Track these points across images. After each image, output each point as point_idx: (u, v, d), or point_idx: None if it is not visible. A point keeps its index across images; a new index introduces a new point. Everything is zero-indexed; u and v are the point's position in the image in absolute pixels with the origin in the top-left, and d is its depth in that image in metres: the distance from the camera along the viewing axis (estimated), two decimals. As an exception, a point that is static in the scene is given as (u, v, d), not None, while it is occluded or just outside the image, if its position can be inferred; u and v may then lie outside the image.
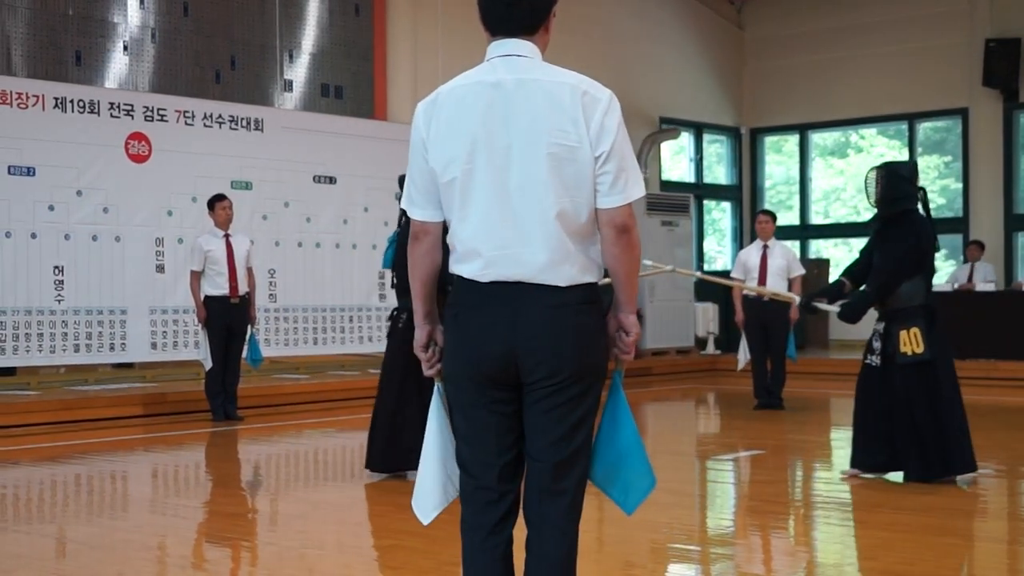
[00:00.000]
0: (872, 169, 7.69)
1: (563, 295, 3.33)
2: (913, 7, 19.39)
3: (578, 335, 3.34)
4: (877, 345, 7.52)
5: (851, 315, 7.61)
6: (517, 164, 3.30)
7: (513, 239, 3.31)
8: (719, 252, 21.55)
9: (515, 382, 3.39)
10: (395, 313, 8.05)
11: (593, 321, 3.39)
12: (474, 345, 3.37)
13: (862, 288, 7.61)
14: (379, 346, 14.70)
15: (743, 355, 12.20)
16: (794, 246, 20.99)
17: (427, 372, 3.57)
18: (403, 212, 7.74)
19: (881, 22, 19.70)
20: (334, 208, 14.44)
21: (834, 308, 7.76)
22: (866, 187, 7.67)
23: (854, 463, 7.77)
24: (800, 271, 12.14)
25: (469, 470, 3.47)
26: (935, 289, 16.39)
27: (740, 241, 21.26)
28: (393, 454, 7.88)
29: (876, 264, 7.52)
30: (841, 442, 10.80)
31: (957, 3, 18.94)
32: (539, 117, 3.29)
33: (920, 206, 7.65)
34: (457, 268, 3.41)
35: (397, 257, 7.83)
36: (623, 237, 3.36)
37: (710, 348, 17.97)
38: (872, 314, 7.68)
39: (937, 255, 7.82)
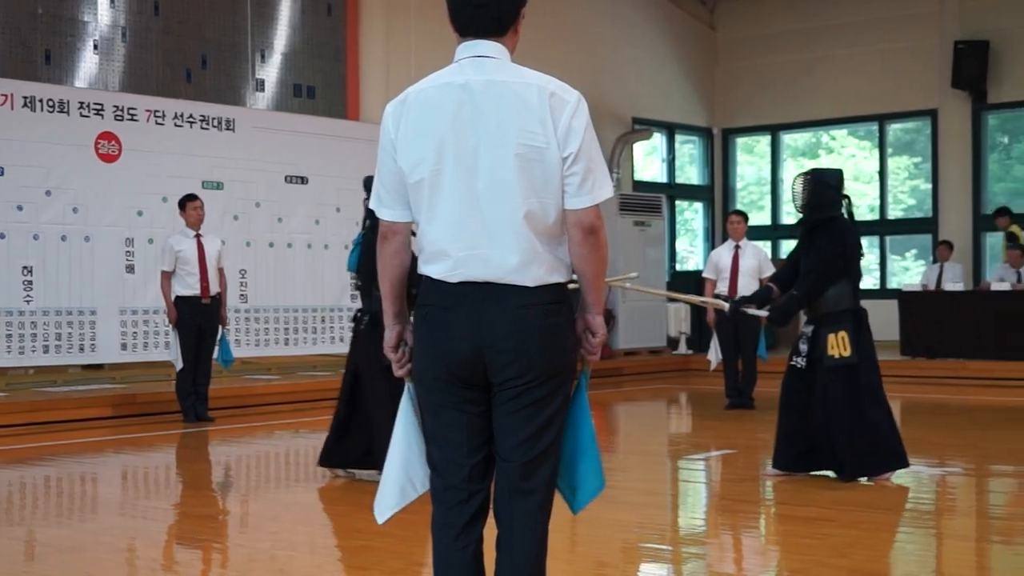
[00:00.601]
0: (798, 176, 7.87)
1: (531, 295, 3.34)
2: (883, 9, 19.48)
3: (546, 335, 3.35)
4: (804, 347, 7.65)
5: (780, 318, 7.81)
6: (485, 165, 3.32)
7: (481, 240, 3.33)
8: (691, 252, 21.61)
9: (484, 382, 3.40)
10: (358, 315, 8.04)
11: (561, 321, 3.40)
12: (443, 345, 3.38)
13: (791, 292, 7.73)
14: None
15: (715, 355, 12.23)
16: (765, 246, 21.08)
17: (397, 373, 3.58)
18: (368, 214, 7.77)
19: (852, 23, 19.79)
20: (306, 208, 14.40)
21: (762, 312, 7.96)
22: (792, 193, 7.83)
23: (775, 463, 7.88)
24: (771, 270, 12.15)
25: (439, 470, 3.48)
26: (908, 288, 16.44)
27: (712, 241, 21.31)
28: (338, 451, 7.95)
29: (804, 268, 7.67)
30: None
31: (926, 5, 19.04)
32: (507, 118, 3.31)
33: (845, 213, 7.75)
34: (426, 268, 3.42)
35: (361, 259, 7.83)
36: (590, 238, 3.37)
37: (682, 348, 18.01)
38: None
39: (865, 258, 8.10)
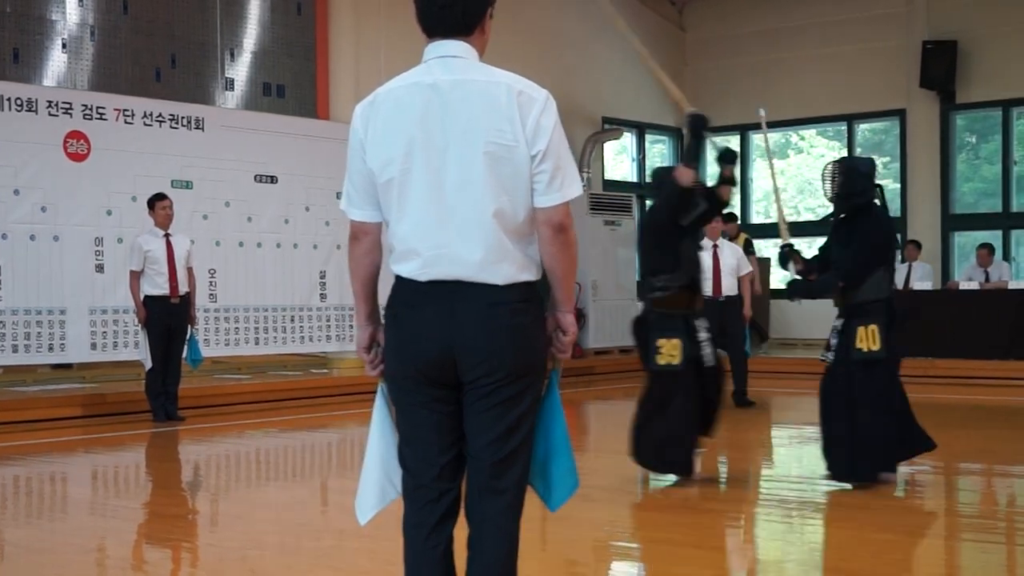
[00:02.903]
0: (830, 163, 7.63)
1: (501, 294, 3.35)
2: (852, 9, 19.58)
3: (515, 334, 3.36)
4: (833, 342, 7.39)
5: (806, 290, 7.58)
6: (454, 164, 3.33)
7: (450, 238, 3.34)
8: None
9: (454, 381, 3.41)
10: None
11: (531, 320, 3.41)
12: (413, 344, 3.39)
13: (828, 274, 7.45)
14: (321, 346, 14.67)
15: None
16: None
17: (370, 372, 3.59)
18: None
19: (820, 24, 19.88)
20: (275, 208, 14.36)
21: (794, 275, 7.70)
22: (823, 180, 7.60)
23: (834, 474, 7.46)
24: (749, 268, 12.32)
25: (410, 469, 3.50)
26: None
27: (682, 241, 21.32)
28: None
29: (841, 255, 7.37)
30: (783, 440, 10.91)
31: (895, 5, 19.15)
32: (475, 117, 3.32)
33: (877, 202, 7.52)
34: (396, 267, 3.44)
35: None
36: (560, 236, 3.38)
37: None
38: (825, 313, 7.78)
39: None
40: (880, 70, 19.35)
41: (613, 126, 19.54)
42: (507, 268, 3.35)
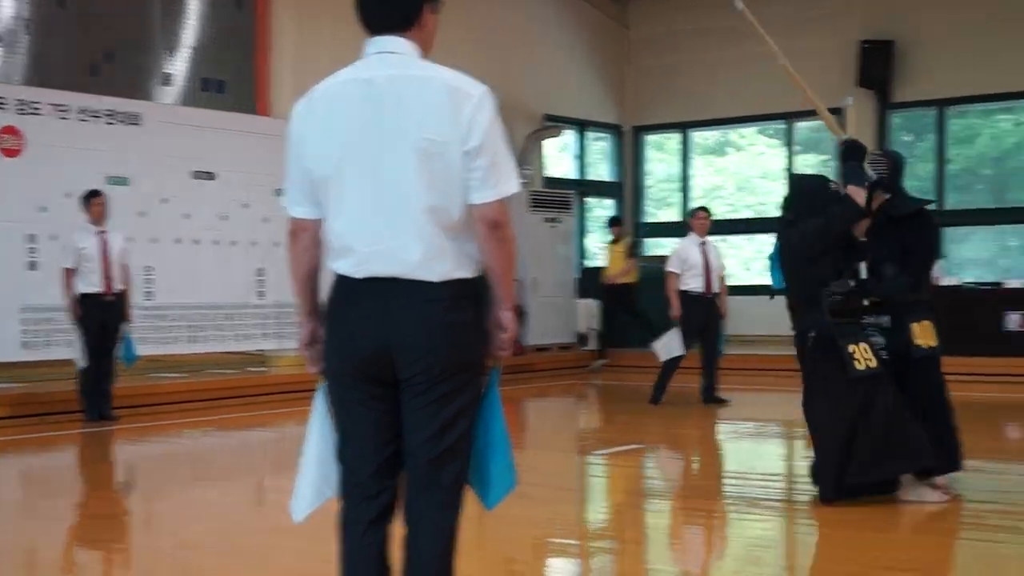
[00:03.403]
0: (880, 151, 7.36)
1: (436, 291, 3.34)
2: (791, 9, 19.69)
3: (451, 331, 3.35)
4: (880, 340, 6.88)
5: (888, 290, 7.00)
6: (388, 160, 3.32)
7: (386, 235, 3.32)
8: (601, 249, 21.67)
9: (391, 378, 3.40)
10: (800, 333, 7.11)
11: (468, 317, 3.39)
12: (349, 341, 3.39)
13: (899, 274, 6.98)
14: (259, 344, 14.55)
15: (668, 349, 12.13)
16: (675, 242, 21.23)
17: (310, 369, 3.58)
18: (780, 221, 7.25)
19: (762, 22, 19.95)
20: (213, 204, 14.22)
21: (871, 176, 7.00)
22: (870, 164, 7.04)
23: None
24: (723, 267, 12.39)
25: (348, 466, 3.49)
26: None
27: (622, 238, 21.40)
28: None
29: (913, 255, 7.00)
30: (725, 436, 10.95)
31: (834, 5, 19.29)
32: (410, 113, 3.30)
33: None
34: (333, 264, 3.43)
35: (786, 275, 7.19)
36: (496, 232, 3.36)
37: (592, 344, 18.08)
38: None
39: None
40: (819, 69, 19.44)
41: (554, 123, 19.54)
42: (442, 265, 3.34)
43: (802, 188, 7.16)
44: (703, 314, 11.95)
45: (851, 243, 6.83)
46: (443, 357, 3.34)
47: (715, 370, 12.17)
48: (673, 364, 12.15)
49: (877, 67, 18.20)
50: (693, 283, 11.96)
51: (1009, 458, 9.13)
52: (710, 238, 12.37)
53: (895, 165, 7.13)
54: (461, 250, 3.37)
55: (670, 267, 12.17)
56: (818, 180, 7.32)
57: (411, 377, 3.36)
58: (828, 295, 6.63)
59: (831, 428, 6.68)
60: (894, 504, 6.59)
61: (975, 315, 15.13)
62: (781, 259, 6.98)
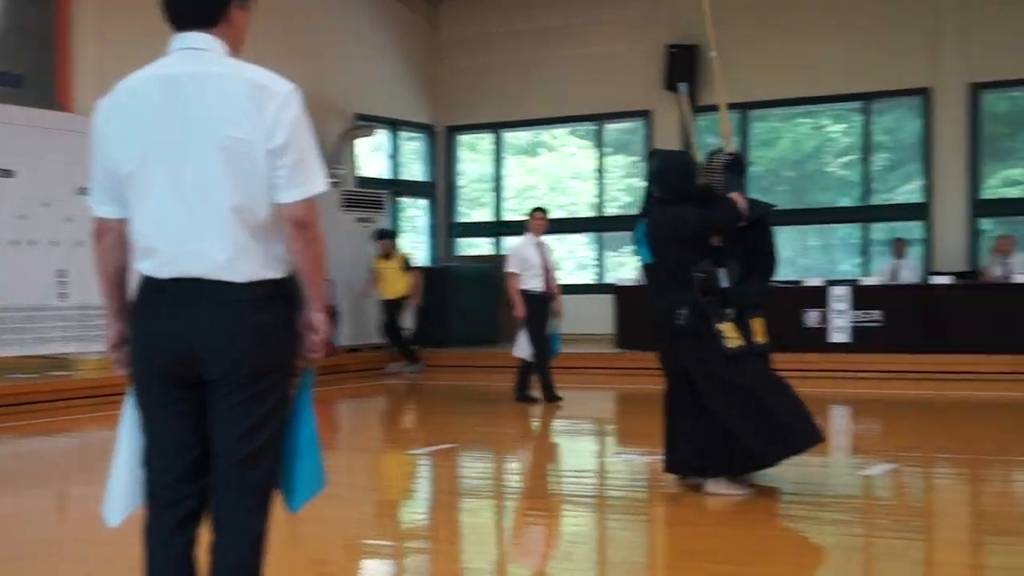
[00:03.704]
0: (716, 151, 7.34)
1: (242, 292, 3.29)
2: (601, 12, 20.01)
3: (257, 333, 3.31)
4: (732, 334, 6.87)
5: (749, 295, 7.13)
6: (191, 159, 3.27)
7: (189, 235, 3.27)
8: (415, 248, 21.67)
9: (198, 380, 3.35)
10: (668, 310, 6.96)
11: (275, 318, 3.35)
12: (154, 343, 3.33)
13: (759, 277, 7.20)
14: (61, 347, 14.08)
15: (524, 349, 12.06)
16: (489, 242, 21.38)
17: (118, 372, 3.51)
18: (646, 199, 7.07)
19: (571, 25, 20.25)
20: (11, 203, 13.70)
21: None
22: (709, 170, 7.15)
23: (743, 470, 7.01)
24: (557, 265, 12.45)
25: (153, 469, 3.43)
26: (623, 283, 16.83)
27: (436, 237, 21.44)
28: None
29: (767, 253, 7.21)
30: (538, 434, 11.05)
31: (641, 9, 19.66)
32: (213, 111, 3.26)
33: None
34: (138, 265, 3.37)
35: (655, 252, 7.09)
36: (303, 232, 3.33)
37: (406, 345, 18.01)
38: None
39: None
40: (628, 72, 19.84)
41: (365, 122, 19.44)
42: (248, 265, 3.30)
43: (670, 163, 7.14)
44: (545, 313, 11.99)
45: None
46: (250, 358, 3.30)
47: (549, 369, 12.15)
48: (543, 362, 12.07)
49: (682, 71, 18.60)
50: (533, 283, 11.97)
51: (808, 451, 9.44)
52: (544, 238, 12.41)
53: (741, 168, 7.35)
54: (268, 250, 3.33)
55: (510, 268, 12.08)
56: (683, 155, 7.52)
57: (217, 379, 3.31)
58: (697, 273, 6.74)
59: (733, 406, 6.72)
60: (700, 497, 6.75)
61: (776, 312, 15.55)
62: (649, 236, 7.00)
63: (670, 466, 7.03)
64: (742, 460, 6.83)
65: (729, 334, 6.73)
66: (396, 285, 16.04)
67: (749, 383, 6.73)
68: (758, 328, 7.05)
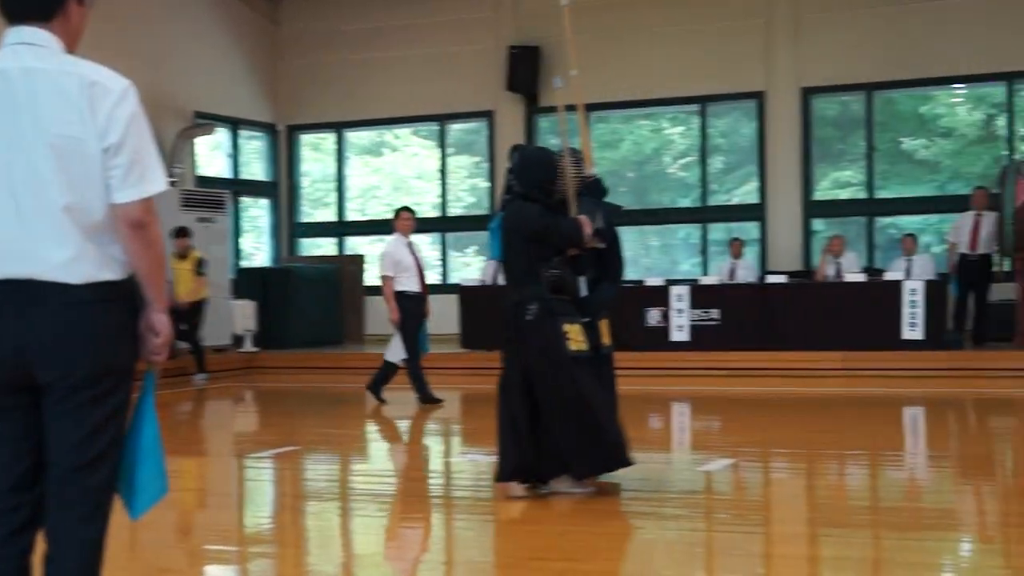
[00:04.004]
0: (571, 149, 7.24)
1: (77, 293, 3.22)
2: (443, 13, 20.03)
3: (93, 335, 3.24)
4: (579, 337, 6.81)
5: (604, 302, 7.19)
6: (21, 157, 3.18)
7: (20, 235, 3.19)
8: (257, 249, 21.42)
9: (32, 385, 3.25)
10: (518, 305, 6.78)
11: (112, 320, 3.28)
12: None
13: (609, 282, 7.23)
14: None
15: (398, 352, 11.85)
16: (331, 242, 21.23)
17: None
18: (505, 192, 6.95)
19: (413, 25, 20.22)
20: None
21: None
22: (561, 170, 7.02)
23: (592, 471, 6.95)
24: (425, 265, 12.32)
25: None
26: (468, 283, 16.86)
27: (278, 237, 21.21)
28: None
29: (616, 256, 7.26)
30: (381, 435, 11.03)
31: (484, 10, 19.74)
32: (44, 108, 3.18)
33: None
34: None
35: (506, 246, 6.91)
36: (139, 233, 3.27)
37: (248, 346, 17.81)
38: None
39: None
40: (471, 72, 19.90)
41: (205, 121, 19.13)
42: (83, 267, 3.22)
43: (530, 159, 7.09)
44: (420, 313, 11.83)
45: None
46: (85, 362, 3.22)
47: (422, 371, 11.99)
48: (416, 365, 11.88)
49: (524, 72, 18.76)
50: (409, 283, 11.76)
51: (650, 448, 9.60)
52: (413, 237, 12.26)
53: (599, 193, 7.37)
54: (104, 251, 3.26)
55: (384, 271, 11.78)
56: (544, 152, 7.30)
57: (51, 383, 3.23)
58: (548, 271, 6.68)
59: (566, 413, 6.63)
60: (543, 497, 6.80)
61: (620, 312, 15.79)
62: (503, 230, 6.93)
63: (510, 474, 6.79)
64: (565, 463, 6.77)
65: (574, 337, 6.68)
66: (189, 287, 15.02)
67: (585, 394, 6.64)
68: (603, 329, 7.07)
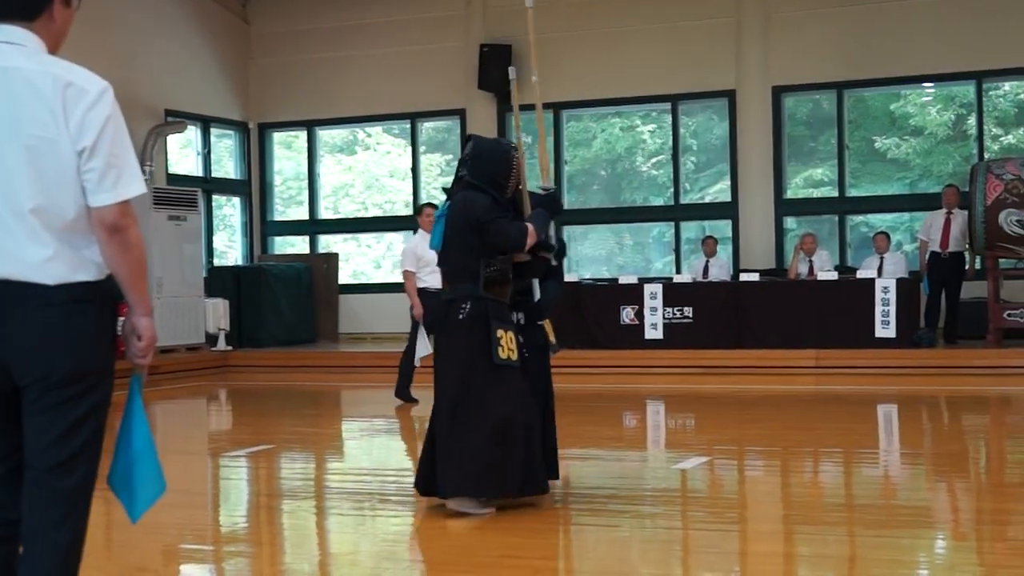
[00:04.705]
0: (514, 144, 6.95)
1: (52, 295, 3.19)
2: (414, 11, 20.00)
3: (68, 337, 3.21)
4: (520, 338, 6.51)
5: (553, 304, 6.80)
6: None
7: None
8: (230, 247, 21.34)
9: (9, 386, 3.23)
10: (452, 302, 6.44)
11: (89, 322, 3.25)
12: None
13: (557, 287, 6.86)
14: None
15: (425, 347, 11.71)
16: (304, 240, 21.18)
17: None
18: (453, 183, 6.55)
19: (384, 23, 20.18)
20: None
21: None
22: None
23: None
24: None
25: None
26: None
27: (250, 236, 21.13)
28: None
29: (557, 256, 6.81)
30: (356, 433, 11.01)
31: (454, 8, 19.72)
32: (18, 107, 3.16)
33: None
34: None
35: (448, 237, 6.51)
36: (116, 237, 3.24)
37: (221, 344, 17.75)
38: None
39: None
40: (442, 70, 19.88)
41: (176, 119, 19.04)
42: (58, 268, 3.20)
43: (484, 149, 6.66)
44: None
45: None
46: (62, 363, 3.20)
47: (412, 368, 11.87)
48: (411, 360, 11.75)
49: (495, 70, 18.73)
50: (430, 279, 11.58)
51: (625, 446, 9.64)
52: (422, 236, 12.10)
53: (553, 206, 6.81)
54: (79, 253, 3.23)
55: (406, 266, 11.60)
56: (499, 144, 6.86)
57: (28, 385, 3.21)
58: (486, 267, 6.33)
59: (481, 424, 6.23)
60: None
61: (594, 310, 15.87)
62: (447, 219, 6.53)
63: (433, 486, 6.46)
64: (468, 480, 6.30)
65: (506, 344, 6.26)
66: None
67: (506, 406, 6.24)
68: (548, 329, 6.71)
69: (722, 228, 18.56)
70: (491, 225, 6.29)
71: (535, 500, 6.51)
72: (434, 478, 6.37)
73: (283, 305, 18.70)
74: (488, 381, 6.23)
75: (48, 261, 3.18)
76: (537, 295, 6.62)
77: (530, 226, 6.36)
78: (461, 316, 6.30)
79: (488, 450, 6.19)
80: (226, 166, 21.06)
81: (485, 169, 6.51)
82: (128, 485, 3.45)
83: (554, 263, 6.68)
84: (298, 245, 21.33)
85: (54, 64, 3.23)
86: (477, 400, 6.22)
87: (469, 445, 6.20)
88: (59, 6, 3.33)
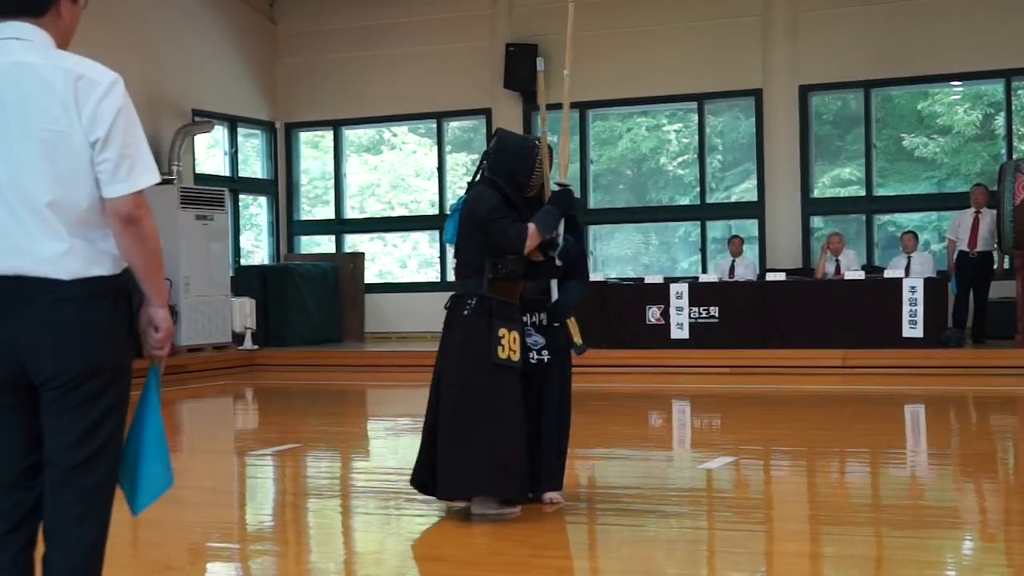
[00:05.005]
0: (536, 138, 6.77)
1: (67, 289, 3.18)
2: (440, 10, 20.02)
3: (85, 332, 3.20)
4: (538, 339, 6.45)
5: (575, 304, 6.63)
6: (5, 151, 3.16)
7: (8, 230, 3.16)
8: (256, 247, 21.41)
9: (26, 384, 3.22)
10: (459, 298, 6.34)
11: (105, 316, 3.24)
12: None
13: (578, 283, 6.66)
14: None
15: None
16: (330, 240, 21.23)
17: None
18: (475, 175, 6.46)
19: (410, 23, 20.21)
20: None
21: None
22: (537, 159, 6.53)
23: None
24: None
25: None
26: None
27: (277, 235, 21.20)
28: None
29: (580, 254, 6.68)
30: (381, 433, 11.02)
31: (480, 8, 19.73)
32: (29, 101, 3.16)
33: None
34: None
35: (460, 232, 6.41)
36: (130, 228, 3.23)
37: (247, 343, 17.81)
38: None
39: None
40: (468, 70, 19.90)
41: (204, 118, 19.11)
42: (73, 262, 3.19)
43: (507, 144, 6.55)
44: None
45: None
46: (79, 359, 3.19)
47: None
48: None
49: (521, 69, 18.73)
50: None
51: (651, 446, 9.61)
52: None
53: (566, 204, 6.55)
54: (94, 246, 3.23)
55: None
56: (523, 141, 6.72)
57: (45, 382, 3.20)
58: (493, 266, 6.22)
59: (468, 423, 6.13)
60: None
61: (620, 309, 15.85)
62: (461, 213, 6.44)
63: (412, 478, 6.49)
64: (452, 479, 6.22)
65: (507, 344, 6.12)
66: None
67: (494, 406, 6.11)
68: (573, 329, 6.51)
69: (748, 227, 18.50)
70: (493, 225, 6.21)
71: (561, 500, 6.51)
72: (432, 477, 6.31)
73: (309, 304, 18.75)
74: (487, 380, 6.14)
75: (63, 256, 3.17)
76: (555, 295, 6.50)
77: (532, 228, 6.22)
78: (466, 312, 6.23)
79: (488, 450, 6.12)
80: (253, 166, 21.13)
81: (505, 164, 6.41)
82: (132, 477, 3.42)
83: (558, 263, 6.47)
84: (324, 244, 21.38)
85: (64, 58, 3.23)
86: (477, 399, 6.15)
87: (468, 445, 6.14)
88: (67, 2, 3.33)
